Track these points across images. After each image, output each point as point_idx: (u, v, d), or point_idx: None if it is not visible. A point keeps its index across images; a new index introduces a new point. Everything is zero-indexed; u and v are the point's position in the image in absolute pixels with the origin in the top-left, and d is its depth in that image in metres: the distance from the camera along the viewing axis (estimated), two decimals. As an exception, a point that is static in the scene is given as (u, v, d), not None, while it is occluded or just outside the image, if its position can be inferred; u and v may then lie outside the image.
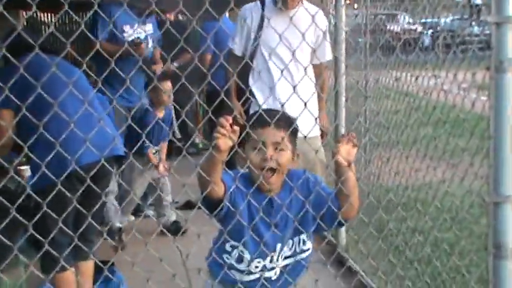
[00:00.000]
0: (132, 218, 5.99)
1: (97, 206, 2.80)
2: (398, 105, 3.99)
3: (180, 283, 2.23)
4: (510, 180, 2.44)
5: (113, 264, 4.40)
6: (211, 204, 2.26)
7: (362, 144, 4.93)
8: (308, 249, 2.48)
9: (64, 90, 2.59)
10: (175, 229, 5.62)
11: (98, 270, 3.92)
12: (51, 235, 2.32)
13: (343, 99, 4.74)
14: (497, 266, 2.49)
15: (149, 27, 6.23)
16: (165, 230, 2.86)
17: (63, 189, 2.30)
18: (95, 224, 2.59)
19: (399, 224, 3.93)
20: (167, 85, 5.62)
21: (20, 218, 2.11)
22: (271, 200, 2.37)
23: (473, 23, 4.42)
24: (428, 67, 3.38)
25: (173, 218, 5.85)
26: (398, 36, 6.06)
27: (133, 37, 5.96)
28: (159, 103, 5.57)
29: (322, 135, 4.62)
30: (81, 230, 2.69)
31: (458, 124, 2.99)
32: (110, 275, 4.11)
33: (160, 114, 5.61)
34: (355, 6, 5.80)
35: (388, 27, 5.33)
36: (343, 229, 5.13)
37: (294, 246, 2.45)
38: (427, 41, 7.08)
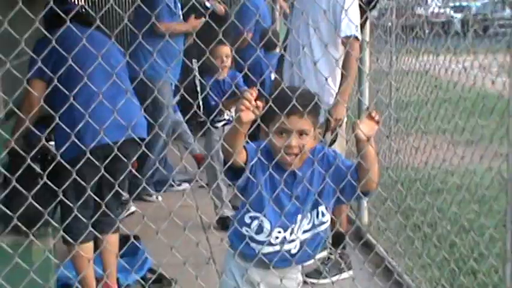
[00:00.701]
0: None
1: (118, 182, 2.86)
2: (420, 83, 4.00)
3: (204, 252, 2.30)
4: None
5: (137, 237, 4.52)
6: (234, 173, 2.34)
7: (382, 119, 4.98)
8: (327, 221, 2.53)
9: (94, 63, 2.68)
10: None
11: (124, 244, 4.02)
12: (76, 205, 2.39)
13: (366, 76, 4.77)
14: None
15: None
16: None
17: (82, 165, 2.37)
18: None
19: (419, 202, 3.98)
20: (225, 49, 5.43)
21: (50, 184, 2.21)
22: (293, 172, 2.42)
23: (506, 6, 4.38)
24: (456, 52, 3.39)
25: None
26: (427, 20, 5.99)
27: None
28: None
29: (327, 126, 4.17)
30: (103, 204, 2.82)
31: (478, 103, 3.02)
32: (135, 247, 4.23)
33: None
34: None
35: (416, 10, 5.28)
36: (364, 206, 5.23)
37: (312, 219, 2.50)
38: (458, 25, 6.99)
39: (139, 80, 2.65)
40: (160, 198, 6.20)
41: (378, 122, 2.35)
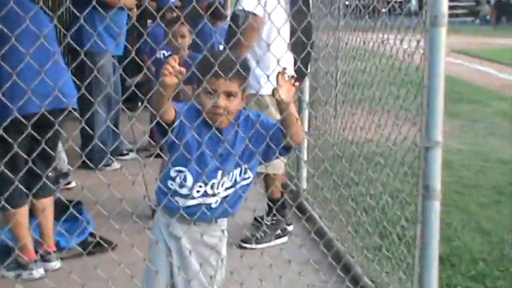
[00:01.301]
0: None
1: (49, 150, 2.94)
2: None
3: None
4: (440, 126, 2.65)
5: (80, 202, 4.60)
6: (163, 129, 2.48)
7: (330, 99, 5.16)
8: (249, 177, 2.69)
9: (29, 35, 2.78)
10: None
11: (65, 210, 4.10)
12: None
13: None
14: (426, 206, 2.71)
15: None
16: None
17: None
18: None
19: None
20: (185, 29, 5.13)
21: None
22: (220, 130, 2.58)
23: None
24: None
25: None
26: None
27: None
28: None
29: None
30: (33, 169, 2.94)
31: (395, 73, 3.19)
32: (78, 211, 4.31)
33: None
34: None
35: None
36: (304, 179, 5.42)
37: (234, 177, 2.66)
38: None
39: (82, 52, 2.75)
40: (117, 164, 6.34)
41: (293, 85, 2.51)
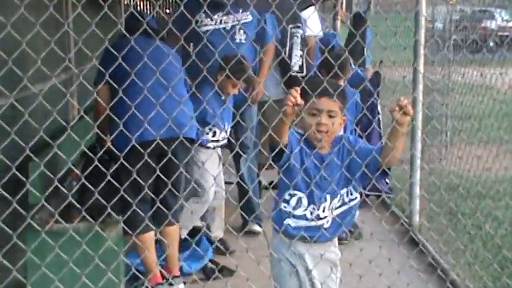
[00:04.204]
0: None
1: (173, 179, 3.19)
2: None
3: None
4: None
5: (199, 230, 4.80)
6: (277, 155, 2.71)
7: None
8: (356, 198, 2.89)
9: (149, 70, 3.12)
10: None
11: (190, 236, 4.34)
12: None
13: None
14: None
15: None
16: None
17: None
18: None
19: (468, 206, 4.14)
20: None
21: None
22: (322, 157, 2.81)
23: None
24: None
25: None
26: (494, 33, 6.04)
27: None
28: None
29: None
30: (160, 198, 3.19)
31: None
32: (199, 238, 4.54)
33: None
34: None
35: (482, 24, 5.37)
36: (416, 211, 5.38)
37: (342, 198, 2.86)
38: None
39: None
40: None
41: (406, 114, 2.63)
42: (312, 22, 5.93)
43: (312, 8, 6.08)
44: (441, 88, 5.23)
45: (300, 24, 5.86)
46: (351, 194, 2.88)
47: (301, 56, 5.84)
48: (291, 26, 5.73)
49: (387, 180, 6.07)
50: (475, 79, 4.08)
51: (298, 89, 2.53)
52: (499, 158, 3.57)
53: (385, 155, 2.70)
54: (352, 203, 2.89)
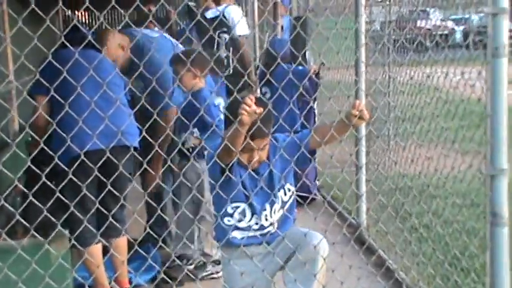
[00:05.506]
0: None
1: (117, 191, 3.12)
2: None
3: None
4: (504, 154, 2.70)
5: (149, 242, 4.73)
6: (222, 170, 2.73)
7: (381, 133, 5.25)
8: (292, 192, 2.95)
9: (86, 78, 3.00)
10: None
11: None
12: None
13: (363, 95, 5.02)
14: (494, 233, 2.75)
15: None
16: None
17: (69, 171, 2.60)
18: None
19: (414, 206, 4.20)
20: None
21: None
22: (256, 170, 2.87)
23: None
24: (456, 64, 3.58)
25: None
26: (429, 33, 6.15)
27: None
28: None
29: None
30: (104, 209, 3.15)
31: (457, 106, 3.25)
32: (147, 249, 4.44)
33: None
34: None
35: (418, 23, 5.45)
36: (363, 211, 5.42)
37: (281, 200, 2.91)
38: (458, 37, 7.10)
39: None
40: None
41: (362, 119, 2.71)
42: (240, 23, 6.14)
43: (238, 10, 6.40)
44: (381, 89, 5.28)
45: (225, 29, 6.09)
46: (289, 191, 2.93)
47: (226, 56, 6.07)
48: (218, 31, 6.02)
49: (317, 181, 6.38)
50: (417, 78, 4.13)
51: (253, 97, 2.49)
52: (448, 158, 3.61)
53: (314, 146, 2.82)
54: (290, 200, 2.94)
